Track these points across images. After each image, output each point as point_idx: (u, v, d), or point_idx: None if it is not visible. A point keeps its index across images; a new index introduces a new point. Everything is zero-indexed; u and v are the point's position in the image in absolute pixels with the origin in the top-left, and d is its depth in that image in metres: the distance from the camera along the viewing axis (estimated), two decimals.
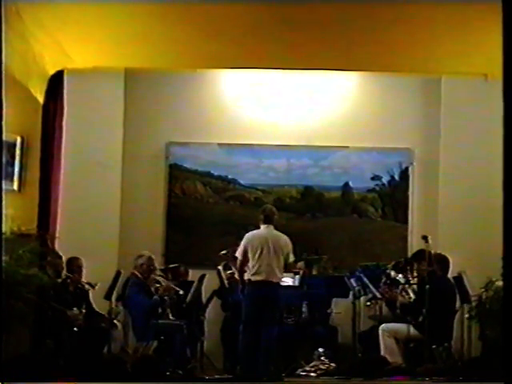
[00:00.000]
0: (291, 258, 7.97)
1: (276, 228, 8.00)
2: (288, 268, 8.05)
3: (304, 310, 8.68)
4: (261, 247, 7.81)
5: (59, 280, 7.74)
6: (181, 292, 8.33)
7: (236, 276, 8.30)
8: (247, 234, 8.00)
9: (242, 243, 7.92)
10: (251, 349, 7.72)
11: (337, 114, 9.66)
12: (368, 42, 7.78)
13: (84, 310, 7.77)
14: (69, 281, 7.87)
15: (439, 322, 7.55)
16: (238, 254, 7.94)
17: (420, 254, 7.83)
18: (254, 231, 8.02)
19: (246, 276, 7.92)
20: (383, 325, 7.89)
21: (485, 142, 8.96)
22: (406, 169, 9.66)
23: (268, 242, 7.84)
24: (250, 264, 7.84)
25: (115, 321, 7.99)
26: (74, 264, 8.04)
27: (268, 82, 9.61)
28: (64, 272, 7.87)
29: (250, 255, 7.83)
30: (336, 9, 7.02)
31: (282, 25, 7.41)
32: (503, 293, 5.44)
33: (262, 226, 7.97)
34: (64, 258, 7.96)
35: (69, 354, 7.18)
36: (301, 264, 8.78)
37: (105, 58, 8.35)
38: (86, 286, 7.96)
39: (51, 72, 8.20)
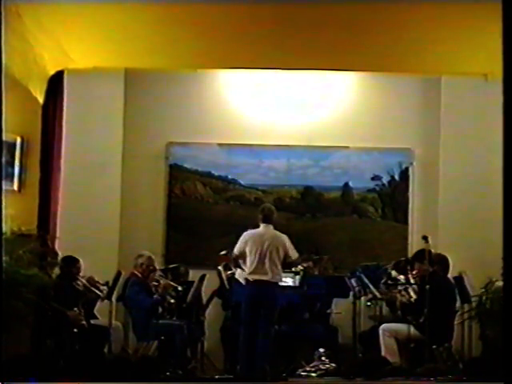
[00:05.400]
0: (294, 256, 7.97)
1: (276, 228, 8.01)
2: (292, 266, 8.07)
3: (304, 310, 8.69)
4: (258, 246, 7.82)
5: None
6: (179, 288, 8.33)
7: (236, 275, 8.31)
8: (245, 233, 8.02)
9: (240, 240, 7.96)
10: (250, 348, 7.73)
11: (337, 114, 9.65)
12: (368, 42, 7.78)
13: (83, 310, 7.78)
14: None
15: (440, 322, 7.54)
16: (236, 249, 7.97)
17: (420, 254, 7.82)
18: (253, 230, 8.03)
19: (244, 275, 7.93)
20: (383, 325, 7.88)
21: (485, 142, 8.97)
22: (406, 169, 9.65)
23: (266, 241, 7.85)
24: (248, 263, 7.86)
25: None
26: (74, 264, 8.03)
27: (268, 82, 9.60)
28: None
29: (247, 254, 7.85)
30: (336, 9, 7.03)
31: (282, 25, 7.41)
32: (503, 293, 5.44)
33: (261, 225, 7.99)
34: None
35: (69, 354, 7.18)
36: (309, 263, 8.79)
37: (105, 58, 8.34)
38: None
39: (51, 72, 8.20)
